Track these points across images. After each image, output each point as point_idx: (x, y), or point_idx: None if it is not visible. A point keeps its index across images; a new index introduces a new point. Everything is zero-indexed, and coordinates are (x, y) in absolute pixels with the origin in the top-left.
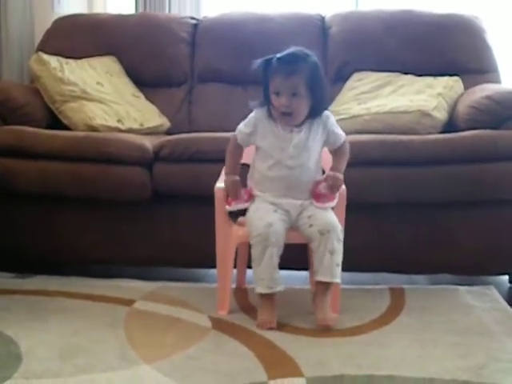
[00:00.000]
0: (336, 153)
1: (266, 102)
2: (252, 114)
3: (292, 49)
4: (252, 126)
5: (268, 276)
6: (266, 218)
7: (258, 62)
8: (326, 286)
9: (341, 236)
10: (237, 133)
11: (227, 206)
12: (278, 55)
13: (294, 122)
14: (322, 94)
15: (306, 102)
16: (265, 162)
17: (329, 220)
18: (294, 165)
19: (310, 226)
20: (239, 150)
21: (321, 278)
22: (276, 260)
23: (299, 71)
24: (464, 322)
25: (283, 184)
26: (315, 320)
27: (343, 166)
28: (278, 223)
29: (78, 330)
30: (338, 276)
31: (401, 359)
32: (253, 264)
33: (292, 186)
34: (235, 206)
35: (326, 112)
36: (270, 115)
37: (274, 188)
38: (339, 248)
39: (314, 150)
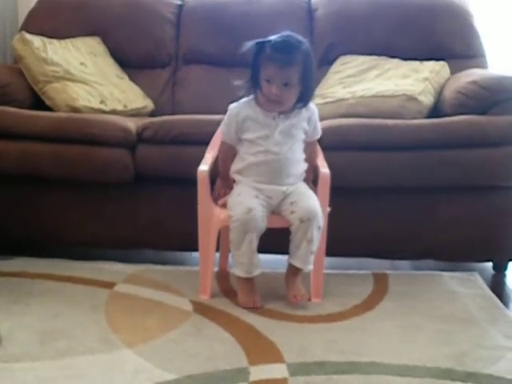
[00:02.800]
0: (307, 148)
1: (254, 85)
2: (230, 112)
3: (285, 34)
4: (235, 125)
5: (247, 261)
6: (245, 202)
7: (249, 44)
8: (298, 270)
9: (321, 223)
10: (223, 136)
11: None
12: (272, 40)
13: (280, 109)
14: (312, 82)
15: (297, 91)
16: (250, 150)
17: (311, 207)
18: (281, 151)
19: (292, 212)
20: (231, 151)
21: (294, 262)
22: (255, 245)
23: (294, 62)
24: (447, 309)
25: (268, 169)
26: (287, 299)
27: (311, 167)
28: (257, 208)
29: (59, 313)
30: (311, 263)
31: (383, 345)
32: (231, 247)
33: (277, 172)
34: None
35: (314, 105)
36: (250, 102)
37: (259, 173)
38: (317, 236)
39: (299, 137)
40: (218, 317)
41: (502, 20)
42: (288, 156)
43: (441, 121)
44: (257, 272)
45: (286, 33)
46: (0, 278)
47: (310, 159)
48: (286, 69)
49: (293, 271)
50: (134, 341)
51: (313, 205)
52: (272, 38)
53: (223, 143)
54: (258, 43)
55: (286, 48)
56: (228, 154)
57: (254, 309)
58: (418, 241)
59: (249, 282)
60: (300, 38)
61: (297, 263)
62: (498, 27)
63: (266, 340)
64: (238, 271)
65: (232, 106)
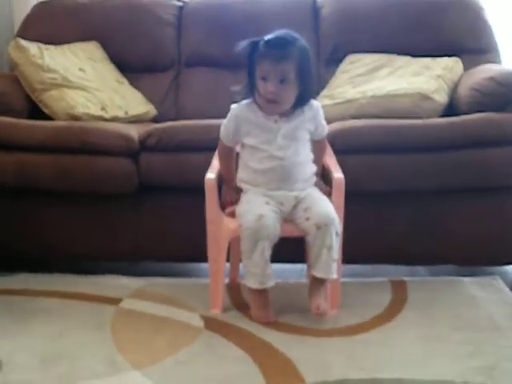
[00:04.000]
0: (315, 146)
1: (251, 87)
2: (231, 112)
3: (280, 32)
4: (233, 126)
5: (260, 271)
6: (256, 210)
7: (243, 44)
8: (322, 281)
9: (339, 229)
10: (221, 136)
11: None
12: (266, 38)
13: (279, 110)
14: (310, 80)
15: (294, 88)
16: (254, 157)
17: (326, 213)
18: (284, 155)
19: (307, 219)
20: (230, 152)
21: (317, 274)
22: (268, 254)
23: (289, 57)
24: (471, 317)
25: (275, 176)
26: (310, 309)
27: (321, 165)
28: (269, 215)
29: (62, 333)
30: (334, 272)
31: (407, 360)
32: (243, 256)
33: (285, 178)
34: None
35: (317, 103)
36: (252, 105)
37: (267, 181)
38: (337, 242)
39: (304, 139)
40: (231, 333)
41: None
42: (293, 160)
43: (456, 119)
44: (270, 283)
45: (281, 30)
46: None
47: (319, 158)
48: (281, 64)
49: (316, 283)
50: (143, 362)
51: (328, 210)
52: (266, 36)
53: (221, 142)
54: (251, 42)
55: (279, 43)
56: (226, 154)
57: (268, 323)
58: (437, 245)
59: (262, 294)
60: (296, 35)
61: (319, 273)
62: (510, 20)
63: (283, 357)
64: (250, 282)
65: (233, 107)
